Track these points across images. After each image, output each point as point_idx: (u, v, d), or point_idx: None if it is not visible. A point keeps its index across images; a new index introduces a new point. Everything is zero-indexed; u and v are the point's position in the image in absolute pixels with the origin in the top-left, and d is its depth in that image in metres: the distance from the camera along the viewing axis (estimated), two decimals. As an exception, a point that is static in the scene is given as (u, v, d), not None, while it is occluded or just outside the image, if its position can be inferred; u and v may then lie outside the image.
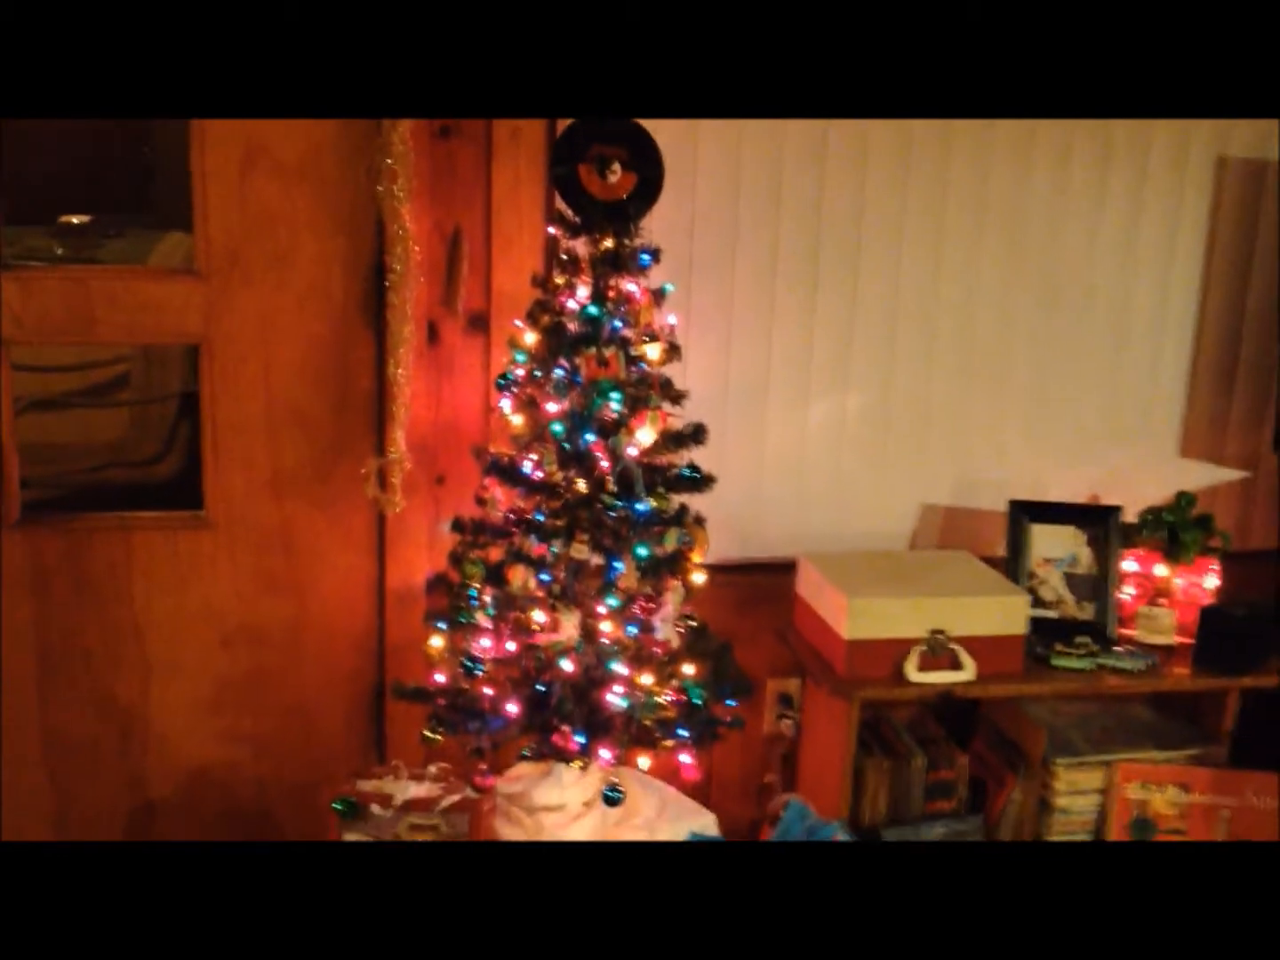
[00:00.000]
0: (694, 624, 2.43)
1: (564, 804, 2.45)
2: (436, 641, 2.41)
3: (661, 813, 2.51)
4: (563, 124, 2.33)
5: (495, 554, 2.36)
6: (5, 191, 2.47)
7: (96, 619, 2.51)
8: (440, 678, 2.39)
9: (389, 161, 2.34)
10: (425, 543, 2.61)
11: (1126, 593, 2.74)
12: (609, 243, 2.24)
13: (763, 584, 2.79)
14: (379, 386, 2.52)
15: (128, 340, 2.52)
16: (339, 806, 2.32)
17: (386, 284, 2.43)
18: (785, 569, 2.77)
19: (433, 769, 2.40)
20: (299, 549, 2.58)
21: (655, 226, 2.32)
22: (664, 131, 2.29)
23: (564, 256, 2.28)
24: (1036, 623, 2.64)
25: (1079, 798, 2.63)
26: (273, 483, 2.54)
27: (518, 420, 2.34)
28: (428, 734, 2.38)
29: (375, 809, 2.33)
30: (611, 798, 2.32)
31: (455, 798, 2.33)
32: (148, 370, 3.64)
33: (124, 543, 2.50)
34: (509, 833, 2.43)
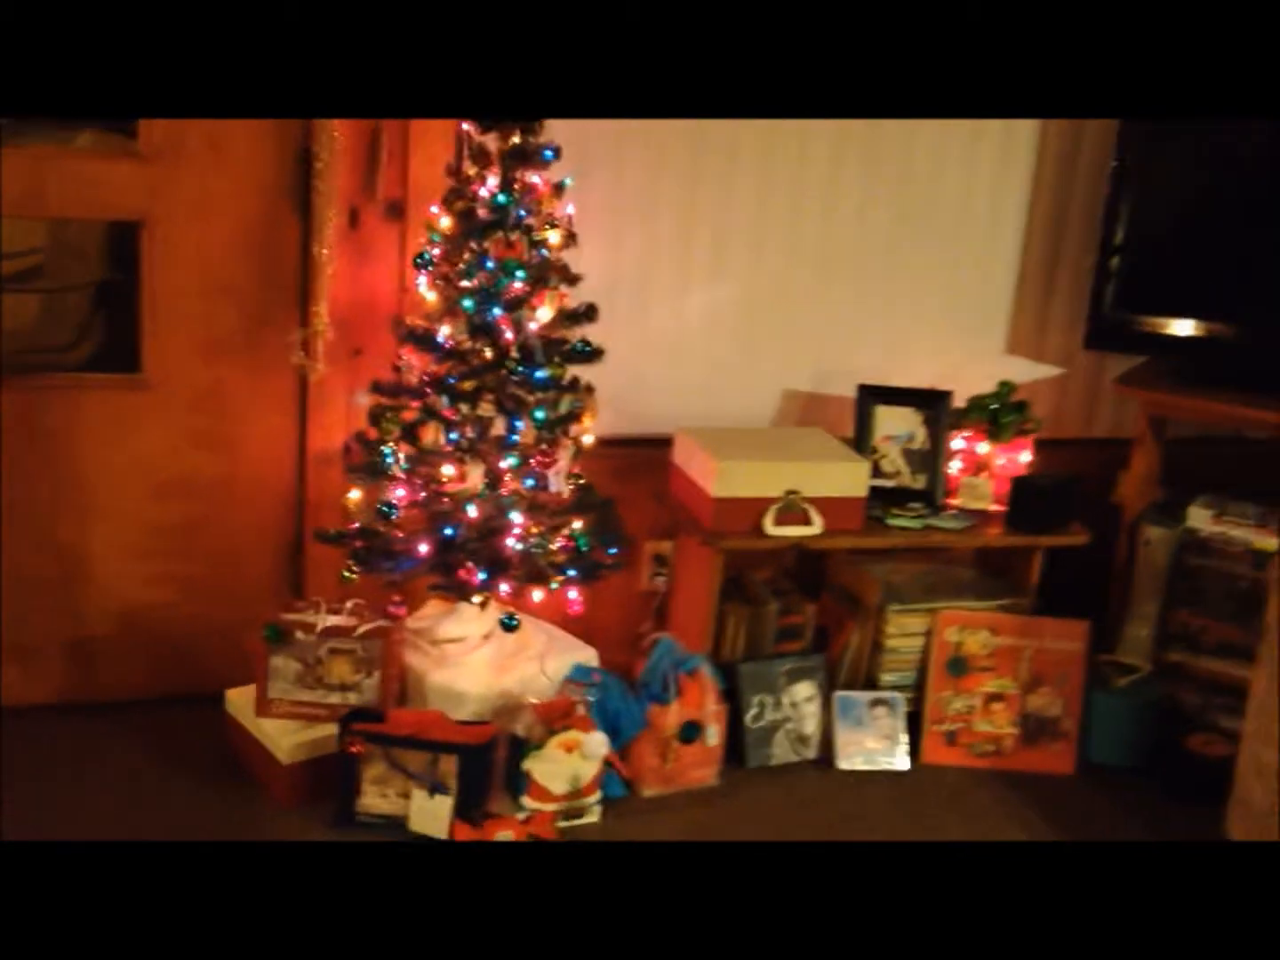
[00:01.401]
0: (582, 482, 2.79)
1: (465, 636, 2.80)
2: (355, 494, 2.74)
3: (550, 647, 2.88)
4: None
5: (408, 415, 2.68)
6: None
7: (47, 470, 2.76)
8: (357, 525, 2.71)
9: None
10: (343, 409, 2.91)
11: (954, 466, 3.17)
12: (516, 139, 2.56)
13: (641, 457, 3.15)
14: (303, 264, 2.80)
15: (78, 215, 2.73)
16: (268, 632, 2.64)
17: (313, 171, 2.71)
18: (662, 444, 3.13)
19: (349, 604, 2.72)
20: (228, 410, 2.86)
21: (557, 126, 2.63)
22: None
23: (476, 150, 2.58)
24: (877, 490, 3.06)
25: (906, 639, 3.07)
26: (205, 348, 2.81)
27: (432, 295, 2.66)
28: (346, 573, 2.71)
29: (300, 635, 2.65)
30: (508, 624, 2.68)
31: (371, 625, 2.66)
32: (60, 260, 3.80)
33: (73, 401, 2.76)
34: (416, 662, 2.77)
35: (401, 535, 2.68)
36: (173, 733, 2.85)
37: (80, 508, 2.81)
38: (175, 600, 2.92)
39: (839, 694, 3.01)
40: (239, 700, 2.74)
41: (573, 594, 2.74)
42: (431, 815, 2.53)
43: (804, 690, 2.99)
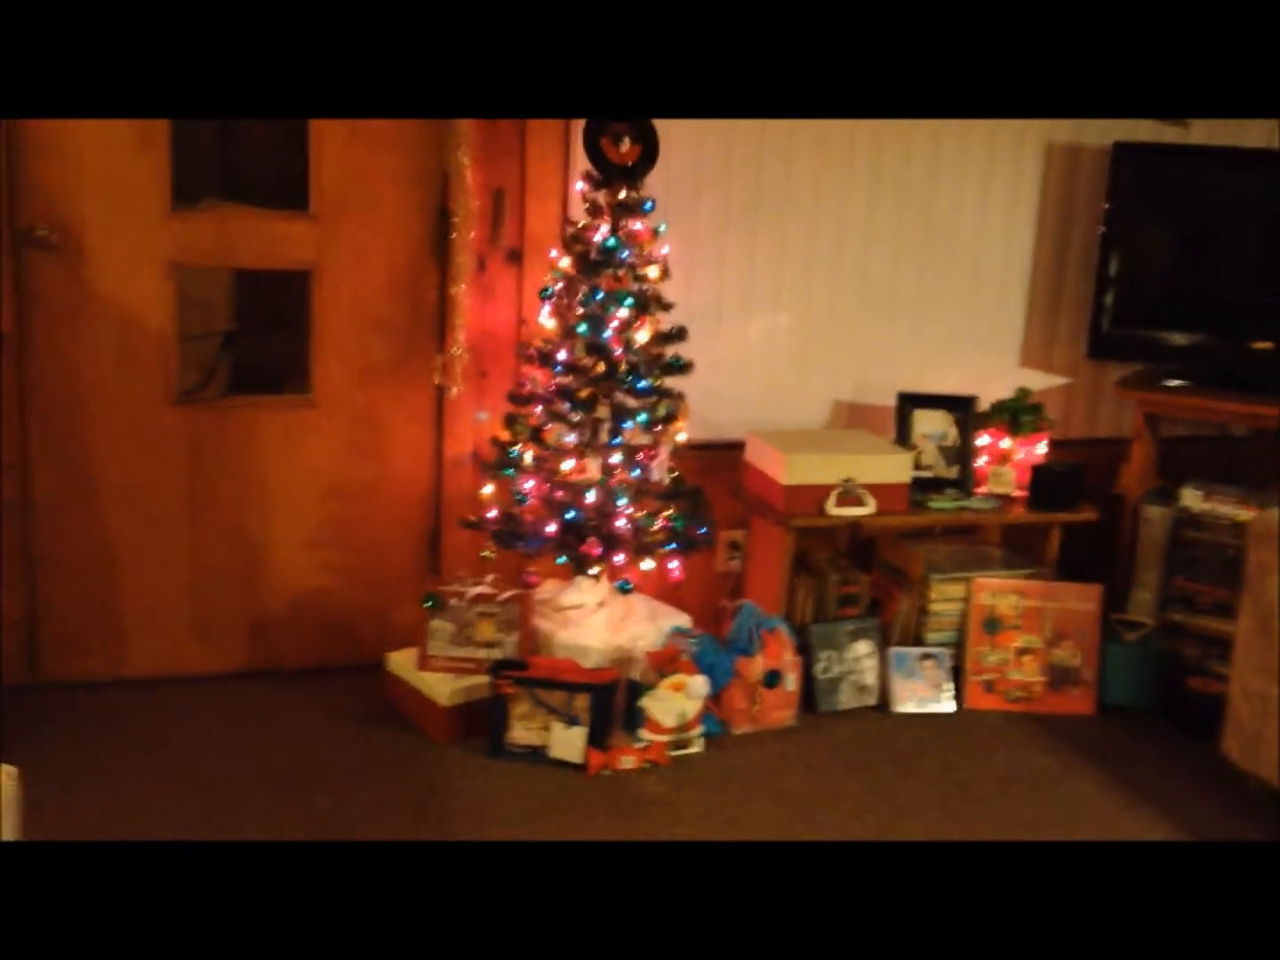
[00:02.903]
0: (675, 474, 3.36)
1: (582, 603, 3.37)
2: (488, 488, 3.32)
3: (653, 614, 3.44)
4: (585, 110, 3.24)
5: (533, 421, 3.26)
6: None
7: (233, 475, 3.35)
8: (492, 513, 3.29)
9: (459, 132, 3.24)
10: (471, 422, 3.50)
11: (981, 459, 3.75)
12: (622, 194, 3.17)
13: (715, 458, 3.71)
14: (441, 302, 3.40)
15: (260, 265, 3.31)
16: (428, 600, 3.21)
17: (450, 225, 3.32)
18: (731, 448, 3.71)
19: (489, 577, 3.29)
20: (379, 424, 3.44)
21: (651, 182, 3.24)
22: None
23: (589, 204, 3.19)
24: (917, 480, 3.63)
25: (947, 604, 3.63)
26: (361, 373, 3.40)
27: (552, 323, 3.26)
28: (486, 552, 3.29)
29: (453, 602, 3.22)
30: (624, 588, 3.25)
31: (511, 593, 3.23)
32: (186, 312, 4.36)
33: (254, 418, 3.35)
34: (544, 625, 3.33)
35: (531, 519, 3.26)
36: (339, 693, 3.40)
37: (261, 507, 3.39)
38: (337, 584, 3.49)
39: (893, 650, 3.56)
40: (399, 660, 3.30)
41: (673, 565, 3.31)
42: (569, 744, 3.08)
43: (863, 647, 3.55)
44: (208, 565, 3.38)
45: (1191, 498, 3.73)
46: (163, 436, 3.29)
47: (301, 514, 3.43)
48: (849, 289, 3.80)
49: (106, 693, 3.31)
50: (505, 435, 3.27)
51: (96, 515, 3.27)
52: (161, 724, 3.20)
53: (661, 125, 3.28)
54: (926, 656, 3.59)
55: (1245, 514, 3.64)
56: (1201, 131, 3.94)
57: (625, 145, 3.17)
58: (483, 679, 3.17)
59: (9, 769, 1.95)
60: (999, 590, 3.62)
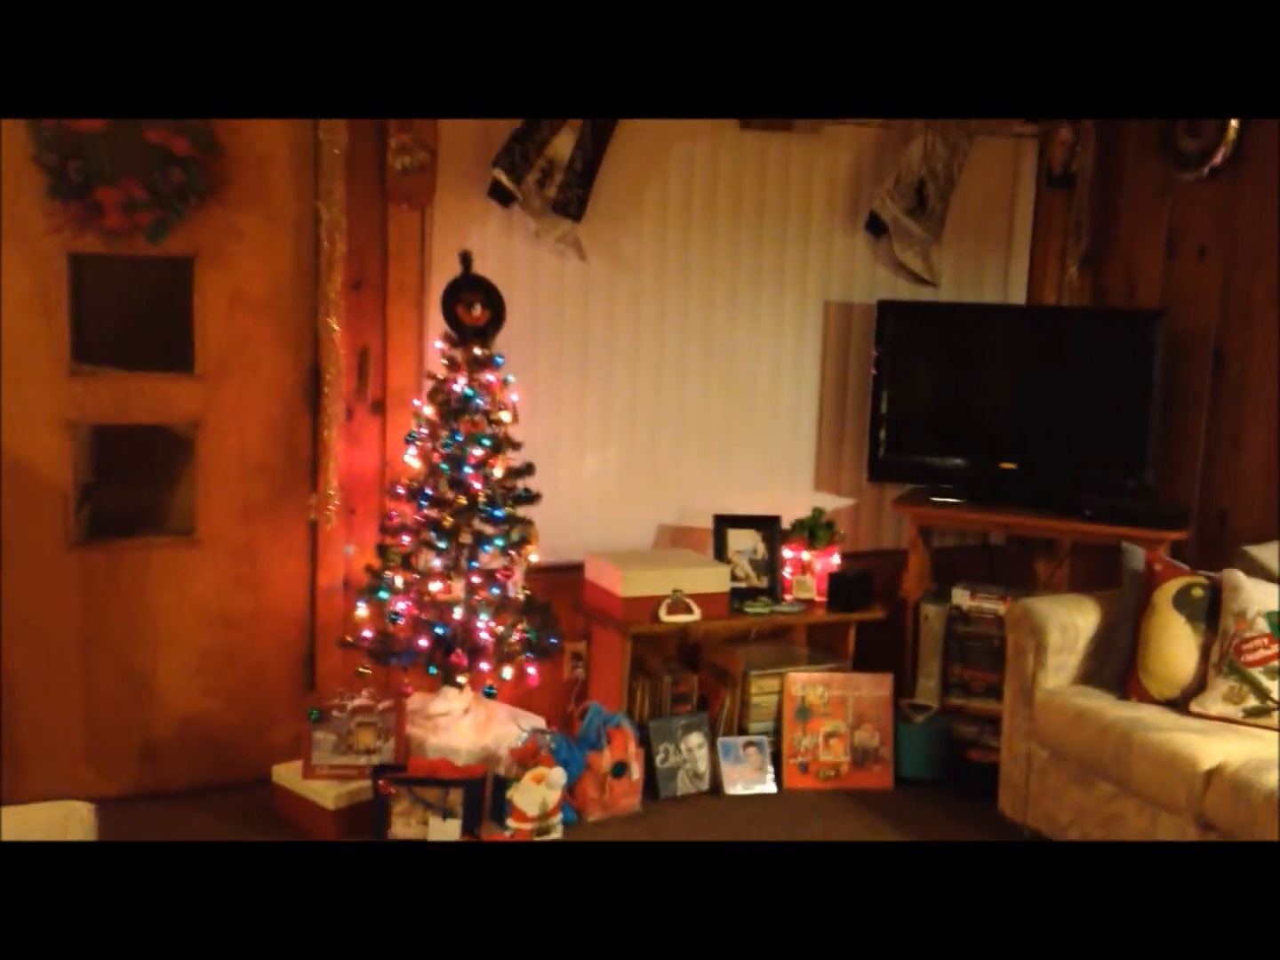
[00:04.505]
0: (527, 591, 3.84)
1: (450, 710, 3.78)
2: (363, 611, 3.73)
3: (511, 718, 3.87)
4: (439, 282, 3.77)
5: (403, 549, 3.70)
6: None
7: (124, 611, 3.66)
8: (367, 633, 3.69)
9: (329, 300, 3.72)
10: (341, 554, 3.91)
11: (787, 570, 4.35)
12: (476, 351, 3.69)
13: (558, 579, 4.19)
14: (313, 447, 3.83)
15: (153, 420, 3.68)
16: (312, 714, 3.57)
17: (322, 380, 3.77)
18: (572, 569, 4.22)
19: (364, 692, 3.67)
20: (258, 559, 3.82)
21: (499, 340, 3.78)
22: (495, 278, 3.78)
23: (447, 360, 3.70)
24: (734, 590, 4.20)
25: (765, 697, 4.18)
26: (242, 512, 3.78)
27: (417, 463, 3.72)
28: (361, 669, 3.68)
29: (335, 714, 3.59)
30: (489, 693, 3.68)
31: (386, 704, 3.62)
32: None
33: (144, 557, 3.68)
34: (417, 732, 3.72)
35: (403, 637, 3.68)
36: (227, 808, 3.70)
37: (150, 638, 3.71)
38: (220, 707, 3.81)
39: (721, 740, 4.07)
40: (284, 772, 3.64)
41: (531, 671, 3.76)
42: (445, 835, 3.46)
43: (695, 739, 4.05)
44: (99, 695, 3.66)
45: (961, 597, 4.39)
46: (59, 577, 3.59)
47: (187, 643, 3.76)
48: (667, 426, 4.39)
49: (0, 820, 3.53)
50: (378, 563, 3.70)
51: (-5, 651, 3.55)
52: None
53: (505, 291, 3.83)
54: (750, 744, 4.11)
55: (1005, 608, 4.32)
56: (949, 290, 4.73)
57: (477, 310, 3.70)
58: (365, 783, 3.54)
59: (85, 804, 2.23)
60: (808, 682, 4.19)
